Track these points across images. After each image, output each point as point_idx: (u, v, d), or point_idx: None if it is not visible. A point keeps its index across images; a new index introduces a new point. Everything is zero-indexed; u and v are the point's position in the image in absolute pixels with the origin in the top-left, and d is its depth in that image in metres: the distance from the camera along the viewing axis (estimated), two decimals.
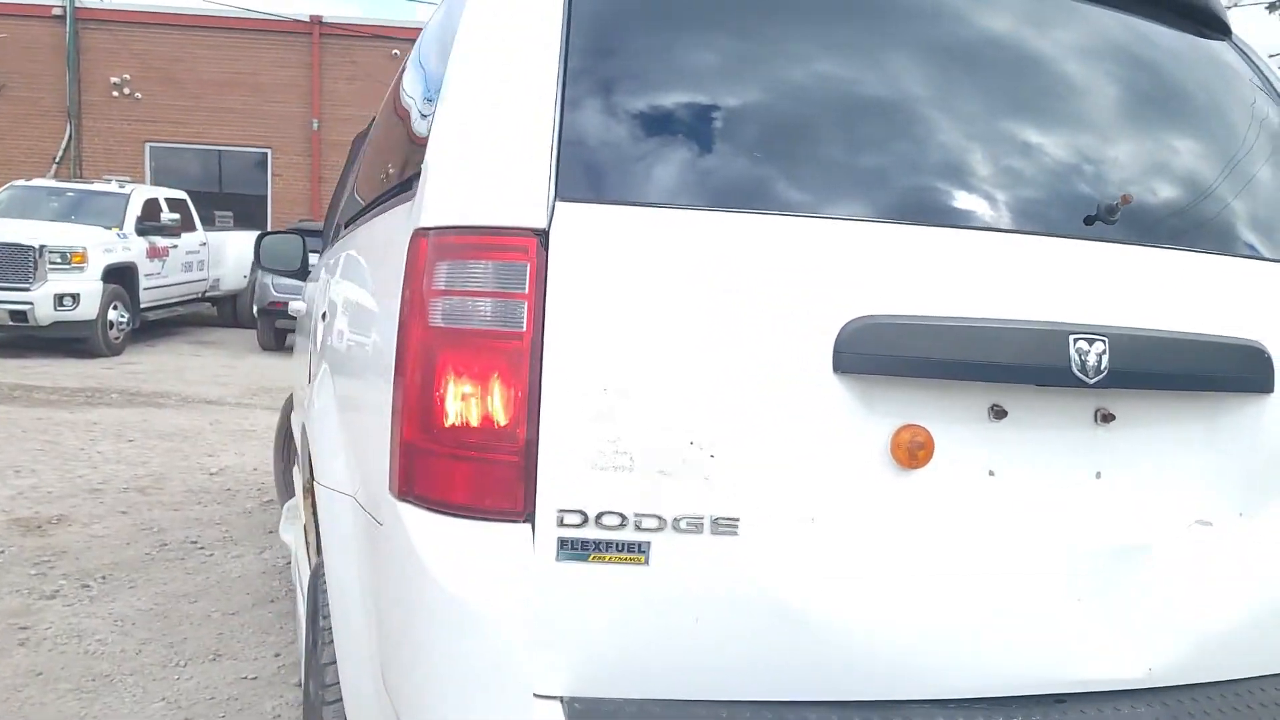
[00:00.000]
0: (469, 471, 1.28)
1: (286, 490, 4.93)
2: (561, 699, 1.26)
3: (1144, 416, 1.47)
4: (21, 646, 3.26)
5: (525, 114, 1.36)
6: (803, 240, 1.34)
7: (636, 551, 1.27)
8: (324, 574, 1.82)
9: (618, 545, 1.27)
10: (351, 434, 1.66)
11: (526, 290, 1.28)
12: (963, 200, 1.46)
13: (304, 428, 2.12)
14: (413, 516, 1.30)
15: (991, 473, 1.40)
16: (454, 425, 1.28)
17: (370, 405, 1.54)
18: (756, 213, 1.35)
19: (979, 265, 1.40)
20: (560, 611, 1.25)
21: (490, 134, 1.37)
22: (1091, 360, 1.37)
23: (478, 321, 1.29)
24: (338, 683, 1.66)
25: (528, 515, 1.26)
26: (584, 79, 1.39)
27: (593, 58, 1.42)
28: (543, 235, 1.29)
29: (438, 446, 1.30)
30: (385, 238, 1.66)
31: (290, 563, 3.61)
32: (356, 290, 1.85)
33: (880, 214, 1.40)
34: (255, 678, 3.15)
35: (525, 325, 1.27)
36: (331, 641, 1.70)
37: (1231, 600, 1.52)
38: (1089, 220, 1.48)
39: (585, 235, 1.30)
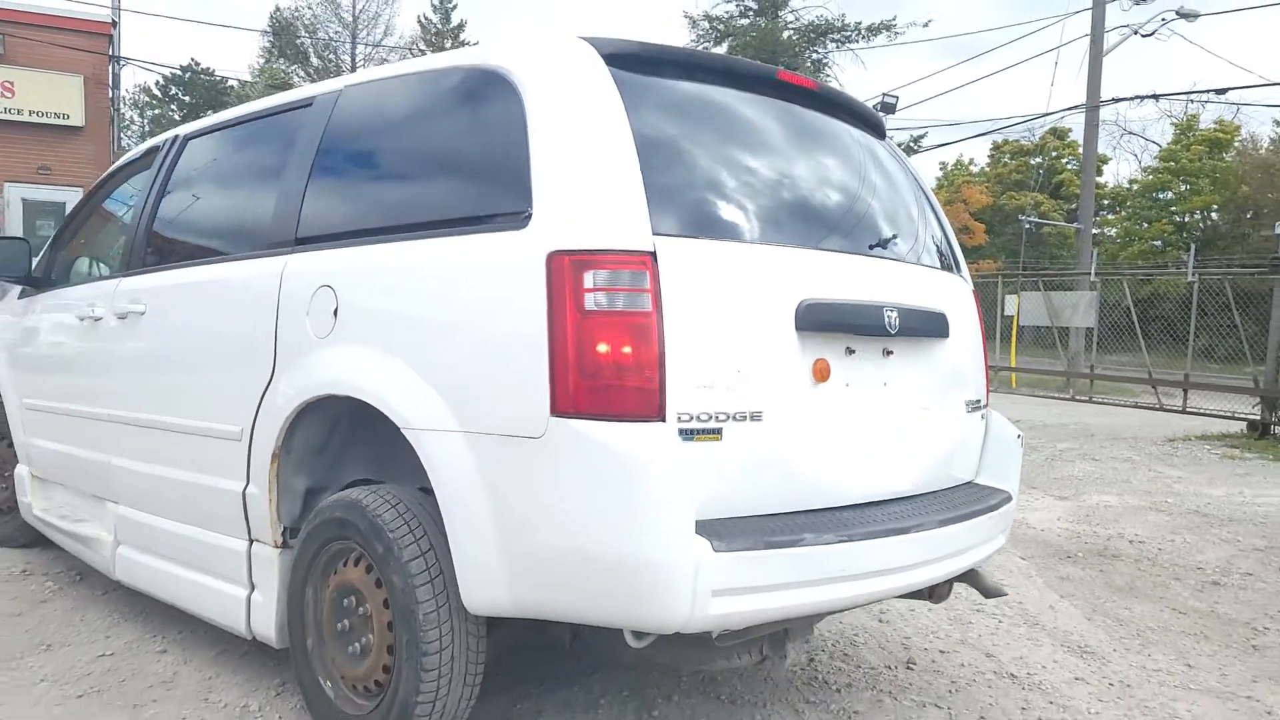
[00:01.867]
0: (627, 395, 2.15)
1: None
2: None
3: (901, 351, 2.74)
4: None
5: (626, 181, 2.25)
6: (781, 259, 2.42)
7: (717, 434, 2.25)
8: (371, 503, 2.51)
9: (708, 431, 2.23)
10: (455, 390, 2.36)
11: (649, 287, 2.19)
12: (839, 236, 2.67)
13: (301, 401, 2.69)
14: (588, 425, 2.14)
15: (848, 385, 2.57)
16: (610, 368, 2.15)
17: (498, 364, 2.29)
18: (758, 244, 2.41)
19: (847, 271, 2.59)
20: (684, 471, 2.18)
21: (602, 193, 2.25)
22: (892, 321, 2.61)
23: (621, 306, 2.17)
24: (425, 570, 2.40)
25: (661, 417, 2.17)
26: (653, 167, 2.31)
27: (654, 152, 2.35)
28: (652, 255, 2.20)
29: (597, 383, 2.15)
30: (471, 256, 2.38)
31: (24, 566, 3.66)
32: (429, 292, 2.48)
33: (816, 245, 2.54)
34: (112, 654, 3.37)
35: (651, 307, 2.18)
36: (413, 543, 2.42)
37: (934, 448, 2.87)
38: (873, 246, 2.75)
39: (672, 254, 2.23)
